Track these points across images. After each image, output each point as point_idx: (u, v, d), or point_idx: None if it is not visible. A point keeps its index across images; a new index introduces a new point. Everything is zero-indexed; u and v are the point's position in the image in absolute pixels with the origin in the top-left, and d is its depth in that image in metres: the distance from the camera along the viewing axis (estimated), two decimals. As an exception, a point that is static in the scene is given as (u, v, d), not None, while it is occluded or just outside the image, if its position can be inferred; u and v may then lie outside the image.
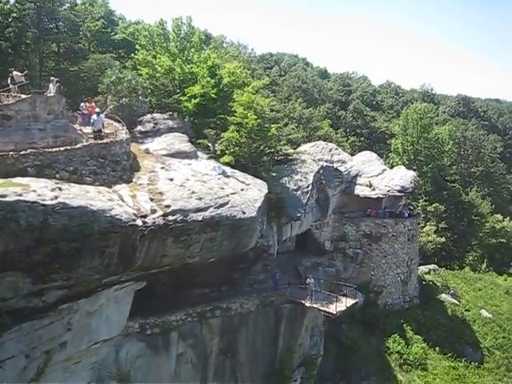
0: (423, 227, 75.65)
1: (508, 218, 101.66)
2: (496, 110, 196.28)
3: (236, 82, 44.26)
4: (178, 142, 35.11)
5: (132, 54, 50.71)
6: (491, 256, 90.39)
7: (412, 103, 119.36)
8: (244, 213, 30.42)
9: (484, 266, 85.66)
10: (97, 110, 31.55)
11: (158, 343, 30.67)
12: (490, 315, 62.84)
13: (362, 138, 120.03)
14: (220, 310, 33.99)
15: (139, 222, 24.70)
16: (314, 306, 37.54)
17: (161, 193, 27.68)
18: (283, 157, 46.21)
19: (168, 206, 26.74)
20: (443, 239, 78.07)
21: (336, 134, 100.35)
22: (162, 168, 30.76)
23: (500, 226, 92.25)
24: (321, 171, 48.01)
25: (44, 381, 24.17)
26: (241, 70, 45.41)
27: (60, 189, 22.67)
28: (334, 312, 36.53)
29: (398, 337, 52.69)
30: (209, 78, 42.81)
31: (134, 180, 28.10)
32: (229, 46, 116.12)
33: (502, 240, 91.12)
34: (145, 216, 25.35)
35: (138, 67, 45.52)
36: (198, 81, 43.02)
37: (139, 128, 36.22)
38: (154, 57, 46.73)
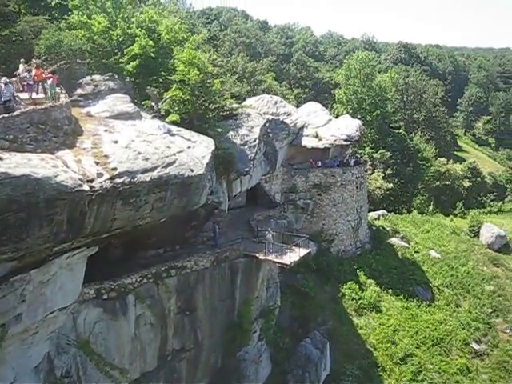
0: (371, 174, 77.06)
1: (451, 160, 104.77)
2: (436, 56, 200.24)
3: (175, 38, 43.35)
4: (120, 103, 34.29)
5: (66, 16, 48.81)
6: (437, 198, 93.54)
7: (354, 52, 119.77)
8: (192, 170, 30.21)
9: (431, 208, 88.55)
10: (4, 79, 29.83)
11: (116, 307, 30.62)
12: (439, 255, 65.21)
13: (307, 90, 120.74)
14: (175, 270, 34.12)
15: (86, 187, 24.22)
16: (269, 258, 38.12)
17: (106, 156, 27.12)
18: (228, 112, 45.84)
19: (114, 169, 26.27)
20: (391, 185, 79.93)
21: (280, 86, 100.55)
22: (106, 130, 30.06)
23: (444, 168, 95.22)
24: (267, 124, 47.96)
25: (2, 354, 23.93)
26: (179, 25, 44.48)
27: (0, 158, 21.96)
28: (288, 263, 37.23)
29: (352, 282, 54.15)
30: (147, 38, 41.67)
31: (77, 145, 27.36)
32: (167, 2, 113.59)
33: (447, 182, 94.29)
34: (91, 180, 24.84)
35: (73, 29, 43.92)
36: (136, 40, 41.86)
37: (79, 91, 35.06)
38: (89, 17, 45.10)
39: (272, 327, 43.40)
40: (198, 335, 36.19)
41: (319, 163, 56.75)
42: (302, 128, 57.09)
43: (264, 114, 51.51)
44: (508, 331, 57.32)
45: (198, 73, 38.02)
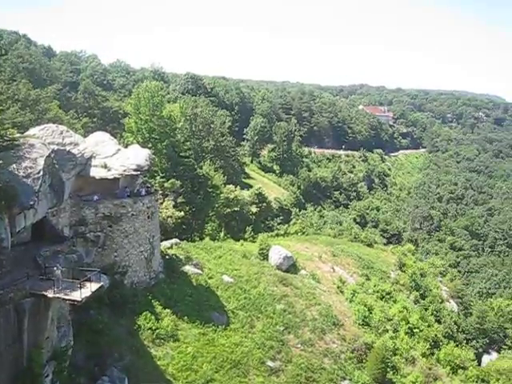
0: (162, 203, 77.44)
1: (239, 187, 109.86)
2: (223, 87, 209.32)
3: None
4: None
5: None
6: (228, 224, 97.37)
7: (143, 82, 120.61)
8: (-33, 207, 27.92)
9: (222, 234, 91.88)
10: None
11: None
12: (232, 279, 67.56)
13: (95, 119, 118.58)
14: (-50, 317, 30.98)
15: None
16: (58, 295, 36.22)
17: None
18: (9, 142, 43.14)
19: None
20: (182, 213, 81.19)
21: (67, 115, 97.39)
22: None
23: (233, 195, 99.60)
24: (52, 155, 45.86)
25: None
26: None
27: None
28: (79, 299, 35.71)
29: (149, 313, 53.64)
30: None
31: None
32: None
33: (236, 208, 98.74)
34: None
35: None
36: None
37: None
38: None
39: (66, 368, 41.06)
40: (-21, 386, 33.16)
41: (95, 197, 54.84)
42: (90, 158, 55.39)
43: (49, 144, 49.19)
44: (299, 346, 61.07)
45: (-29, 101, 35.45)
